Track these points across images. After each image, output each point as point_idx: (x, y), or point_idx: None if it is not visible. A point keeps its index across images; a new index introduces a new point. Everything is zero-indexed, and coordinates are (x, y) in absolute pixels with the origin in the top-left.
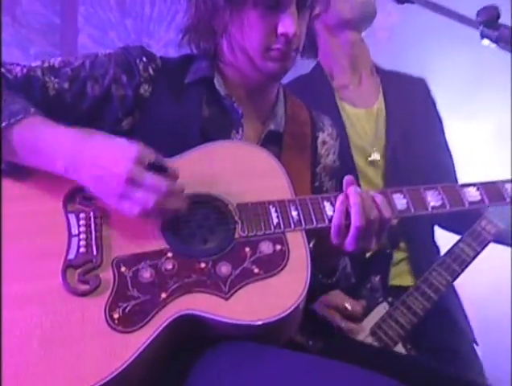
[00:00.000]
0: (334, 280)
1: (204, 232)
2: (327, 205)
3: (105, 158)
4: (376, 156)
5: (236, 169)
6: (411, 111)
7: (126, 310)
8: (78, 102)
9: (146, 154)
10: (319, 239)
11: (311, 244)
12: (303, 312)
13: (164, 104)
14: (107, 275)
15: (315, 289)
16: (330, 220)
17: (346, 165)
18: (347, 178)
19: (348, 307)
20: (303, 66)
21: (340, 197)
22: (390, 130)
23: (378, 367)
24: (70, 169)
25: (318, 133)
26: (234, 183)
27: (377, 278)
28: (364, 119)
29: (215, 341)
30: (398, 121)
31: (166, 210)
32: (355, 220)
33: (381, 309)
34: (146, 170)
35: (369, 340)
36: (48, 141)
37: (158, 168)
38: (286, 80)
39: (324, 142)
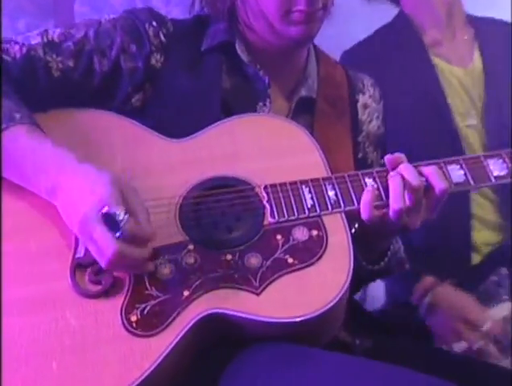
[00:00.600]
0: (383, 265)
1: (228, 220)
2: (369, 182)
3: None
4: (473, 120)
5: (262, 146)
6: (509, 65)
7: (145, 311)
8: (86, 81)
9: (111, 202)
10: (363, 221)
11: (353, 228)
12: (346, 305)
13: (178, 76)
14: (121, 273)
15: (360, 278)
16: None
17: (447, 129)
18: (394, 156)
19: (486, 328)
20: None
21: (396, 178)
22: (487, 91)
23: (434, 369)
24: (51, 193)
25: (357, 96)
26: (261, 163)
27: (505, 271)
28: (461, 78)
29: (247, 342)
30: (496, 80)
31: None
32: (397, 202)
33: (505, 309)
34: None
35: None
36: (30, 158)
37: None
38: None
39: (365, 106)
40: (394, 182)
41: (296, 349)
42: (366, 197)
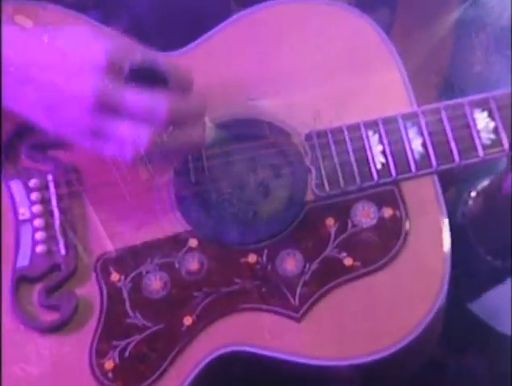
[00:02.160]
0: None
1: (250, 195)
2: (480, 117)
3: (60, 72)
4: None
5: (303, 55)
6: None
7: (126, 352)
8: None
9: (124, 54)
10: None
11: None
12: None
13: None
14: (88, 290)
15: (481, 280)
16: (488, 147)
17: None
18: None
19: None
20: None
21: None
22: None
23: None
24: (8, 93)
25: None
26: (301, 86)
27: None
28: None
29: None
30: None
31: (174, 151)
32: None
33: None
34: (128, 83)
35: None
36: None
37: (150, 75)
38: None
39: None
40: None
41: None
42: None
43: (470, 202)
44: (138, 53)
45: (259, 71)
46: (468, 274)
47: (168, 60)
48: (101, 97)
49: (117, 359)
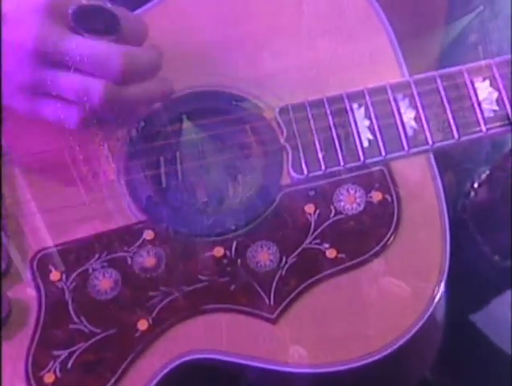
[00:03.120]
0: None
1: (215, 179)
2: (481, 87)
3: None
4: None
5: (276, 17)
6: None
7: (69, 363)
8: None
9: None
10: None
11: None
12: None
13: None
14: (23, 291)
15: (489, 284)
16: (491, 120)
17: None
18: None
19: None
20: None
21: None
22: None
23: None
24: None
25: None
26: (274, 52)
27: None
28: None
29: None
30: None
31: (129, 110)
32: None
33: None
34: (75, 29)
35: None
36: None
37: (100, 23)
38: None
39: None
40: None
41: None
42: None
43: (472, 193)
44: None
45: (225, 34)
46: (471, 278)
47: (119, 8)
48: (42, 45)
49: (58, 372)
